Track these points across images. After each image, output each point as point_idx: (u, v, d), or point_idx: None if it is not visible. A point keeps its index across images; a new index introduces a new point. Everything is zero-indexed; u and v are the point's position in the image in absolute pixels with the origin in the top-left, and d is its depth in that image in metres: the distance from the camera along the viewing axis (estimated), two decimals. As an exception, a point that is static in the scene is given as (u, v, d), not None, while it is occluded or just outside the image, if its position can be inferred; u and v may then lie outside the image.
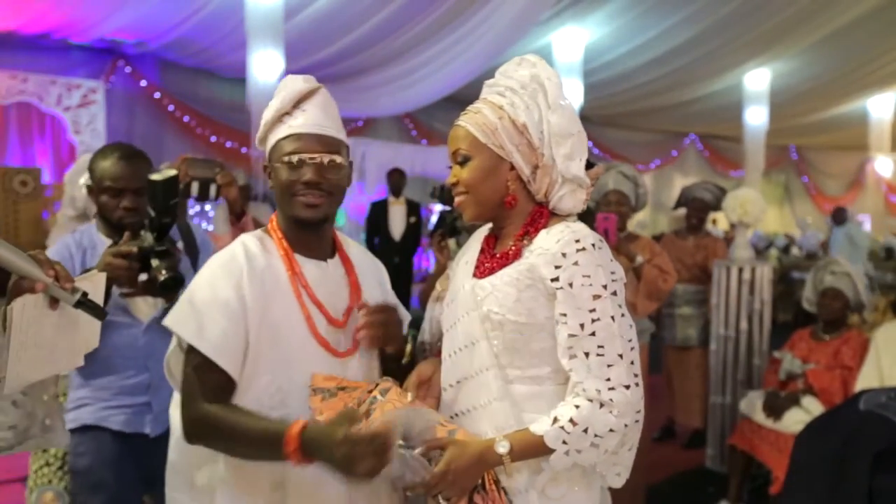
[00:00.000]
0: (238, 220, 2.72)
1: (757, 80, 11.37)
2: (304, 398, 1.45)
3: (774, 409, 3.56)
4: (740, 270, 4.30)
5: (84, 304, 1.35)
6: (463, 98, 10.13)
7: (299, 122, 1.48)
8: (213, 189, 2.81)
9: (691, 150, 15.83)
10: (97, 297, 1.46)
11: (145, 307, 2.16)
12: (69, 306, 1.35)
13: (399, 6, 7.39)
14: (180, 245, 2.21)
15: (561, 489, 1.42)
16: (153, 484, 2.19)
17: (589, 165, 1.50)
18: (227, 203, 2.78)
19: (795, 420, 3.44)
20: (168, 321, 1.48)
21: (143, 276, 1.96)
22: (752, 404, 3.72)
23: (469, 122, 1.47)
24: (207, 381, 1.43)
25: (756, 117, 11.65)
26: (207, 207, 7.76)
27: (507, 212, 1.49)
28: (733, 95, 11.53)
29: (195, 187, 2.76)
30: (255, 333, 1.45)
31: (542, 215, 1.48)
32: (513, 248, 1.47)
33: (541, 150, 1.44)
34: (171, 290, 1.94)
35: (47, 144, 8.28)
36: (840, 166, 17.89)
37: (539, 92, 1.44)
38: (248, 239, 1.55)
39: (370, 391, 1.45)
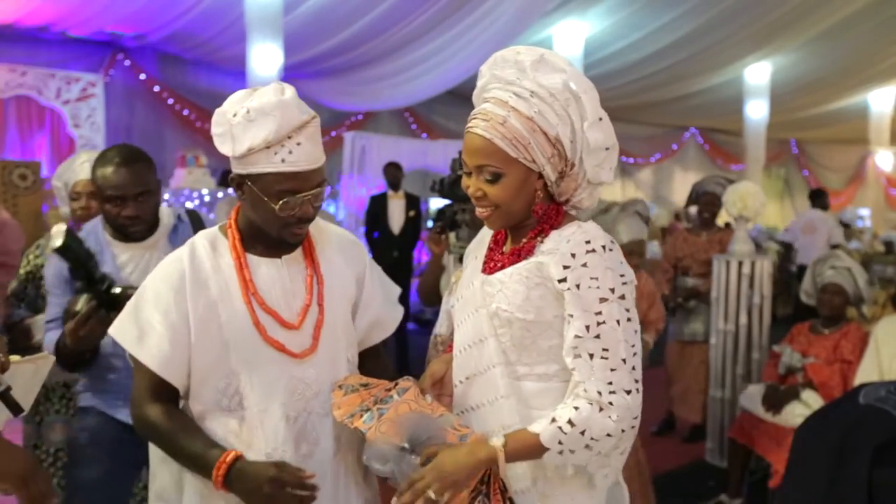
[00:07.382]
0: None
1: (757, 74, 11.35)
2: (262, 399, 1.48)
3: (774, 402, 3.55)
4: (740, 264, 4.29)
5: (2, 396, 1.40)
6: (464, 92, 10.16)
7: (294, 158, 1.43)
8: None
9: (691, 144, 15.82)
10: (36, 380, 1.52)
11: None
12: None
13: (399, -1, 7.38)
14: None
15: (564, 489, 1.41)
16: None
17: None
18: None
19: (795, 414, 3.44)
20: (112, 329, 1.54)
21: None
22: (752, 398, 3.71)
23: (495, 134, 1.35)
24: (151, 384, 1.50)
25: (756, 111, 11.65)
26: (207, 199, 7.74)
27: (528, 214, 1.46)
28: (734, 89, 11.52)
29: None
30: (202, 342, 1.47)
31: (559, 213, 1.46)
32: (525, 244, 1.45)
33: (572, 161, 1.40)
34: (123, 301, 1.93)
35: (46, 138, 8.28)
36: (840, 160, 17.87)
37: (572, 103, 1.38)
38: (200, 240, 1.55)
39: (388, 389, 1.47)
